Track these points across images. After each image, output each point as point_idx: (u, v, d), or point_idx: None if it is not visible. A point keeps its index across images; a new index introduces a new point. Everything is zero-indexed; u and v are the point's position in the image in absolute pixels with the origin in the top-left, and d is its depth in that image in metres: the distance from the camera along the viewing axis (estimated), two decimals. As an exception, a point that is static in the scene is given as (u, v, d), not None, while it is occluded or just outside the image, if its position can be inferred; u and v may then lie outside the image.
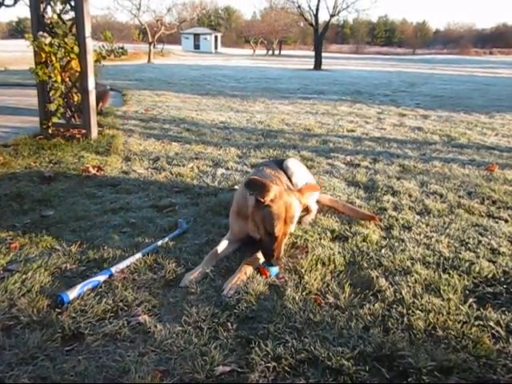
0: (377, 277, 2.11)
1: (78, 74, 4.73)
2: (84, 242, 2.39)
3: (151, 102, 8.24)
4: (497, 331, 1.74)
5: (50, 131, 4.86)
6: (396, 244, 2.51)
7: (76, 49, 4.58)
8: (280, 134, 5.62)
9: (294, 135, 5.59)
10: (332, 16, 25.88)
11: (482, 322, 1.78)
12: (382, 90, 12.05)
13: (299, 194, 2.21)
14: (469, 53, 68.04)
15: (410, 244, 2.51)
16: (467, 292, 2.02)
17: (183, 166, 4.02)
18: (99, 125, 5.25)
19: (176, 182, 3.55)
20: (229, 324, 1.74)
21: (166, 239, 2.43)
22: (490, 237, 2.65)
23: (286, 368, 1.52)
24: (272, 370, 1.51)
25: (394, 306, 1.88)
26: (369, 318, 1.79)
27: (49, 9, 4.66)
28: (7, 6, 5.18)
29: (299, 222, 2.62)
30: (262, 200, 2.07)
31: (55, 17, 4.66)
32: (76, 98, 4.93)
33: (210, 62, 30.29)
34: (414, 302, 1.90)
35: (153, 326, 1.71)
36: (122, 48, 4.99)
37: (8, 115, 6.27)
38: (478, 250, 2.46)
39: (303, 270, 2.15)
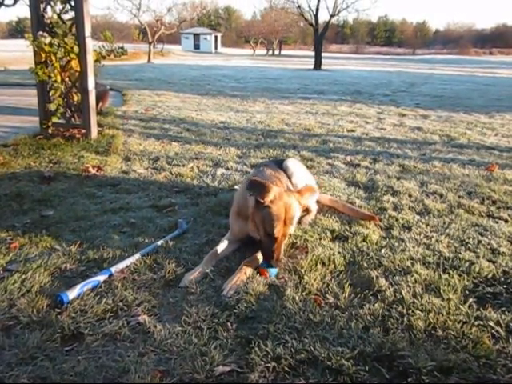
0: (377, 277, 2.11)
1: (77, 73, 4.73)
2: (84, 241, 2.39)
3: (151, 101, 8.24)
4: (497, 331, 1.74)
5: (49, 131, 4.86)
6: (396, 244, 2.51)
7: (76, 49, 4.58)
8: (280, 134, 5.61)
9: (293, 135, 5.59)
10: (332, 16, 25.89)
11: (481, 322, 1.78)
12: (382, 90, 12.05)
13: (299, 195, 2.21)
14: (468, 53, 68.09)
15: (409, 244, 2.51)
16: (467, 292, 2.02)
17: (183, 165, 4.02)
18: (99, 125, 5.25)
19: (176, 182, 3.55)
20: (228, 324, 1.74)
21: (166, 239, 2.43)
22: (489, 237, 2.65)
23: (286, 368, 1.52)
24: (272, 370, 1.51)
25: (394, 306, 1.88)
26: (369, 318, 1.79)
27: (49, 9, 4.66)
28: (7, 5, 5.17)
29: (299, 222, 2.62)
30: (262, 201, 2.07)
31: (55, 16, 4.66)
32: (76, 98, 4.93)
33: (210, 61, 30.29)
34: (413, 302, 1.90)
35: (152, 326, 1.71)
36: (122, 48, 4.99)
37: (8, 115, 6.27)
38: (478, 250, 2.46)
39: (303, 270, 2.15)
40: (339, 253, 2.36)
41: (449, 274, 2.17)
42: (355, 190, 3.47)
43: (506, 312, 1.86)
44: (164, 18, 34.21)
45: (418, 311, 1.84)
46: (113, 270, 2.06)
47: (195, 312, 1.79)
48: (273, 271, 2.11)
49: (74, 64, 4.73)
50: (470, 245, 2.53)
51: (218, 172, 3.86)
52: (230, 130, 5.83)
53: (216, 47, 60.80)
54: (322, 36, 25.12)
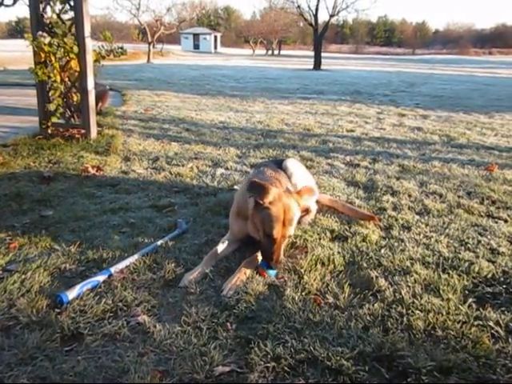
0: (376, 277, 2.11)
1: (77, 73, 4.73)
2: (83, 242, 2.39)
3: (151, 101, 8.24)
4: (496, 331, 1.74)
5: (49, 131, 4.85)
6: (395, 244, 2.51)
7: (75, 49, 4.58)
8: (279, 134, 5.61)
9: (293, 135, 5.59)
10: (331, 16, 25.90)
11: (481, 322, 1.78)
12: (382, 90, 12.05)
13: (298, 196, 2.21)
14: (468, 53, 68.12)
15: (409, 244, 2.51)
16: (467, 292, 2.02)
17: (182, 165, 4.01)
18: (98, 125, 5.25)
19: (175, 182, 3.55)
20: (228, 324, 1.74)
21: (166, 239, 2.43)
22: (489, 237, 2.65)
23: (286, 368, 1.52)
24: (271, 370, 1.51)
25: (394, 306, 1.88)
26: (368, 318, 1.79)
27: (48, 9, 4.66)
28: (6, 5, 5.16)
29: (299, 222, 2.62)
30: (261, 202, 2.07)
31: (54, 17, 4.65)
32: (75, 98, 4.93)
33: (210, 61, 30.29)
34: (413, 302, 1.90)
35: (152, 326, 1.71)
36: (122, 48, 4.98)
37: (7, 115, 6.26)
38: (478, 250, 2.46)
39: (303, 270, 2.15)
40: (339, 253, 2.36)
41: (448, 274, 2.17)
42: (355, 190, 3.47)
43: (506, 312, 1.86)
44: (163, 18, 34.22)
45: (417, 311, 1.84)
46: (112, 270, 2.06)
47: (195, 312, 1.79)
48: (272, 272, 2.10)
49: (74, 64, 4.73)
50: (469, 245, 2.53)
51: (217, 172, 3.86)
52: (230, 129, 5.83)
53: (215, 47, 60.81)
54: (321, 36, 25.13)
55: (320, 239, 2.54)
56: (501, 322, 1.79)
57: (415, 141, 5.50)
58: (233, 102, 8.57)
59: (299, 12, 26.62)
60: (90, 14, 4.64)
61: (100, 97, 6.14)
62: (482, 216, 3.01)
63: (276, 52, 59.62)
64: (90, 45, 4.67)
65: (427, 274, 2.16)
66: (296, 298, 1.91)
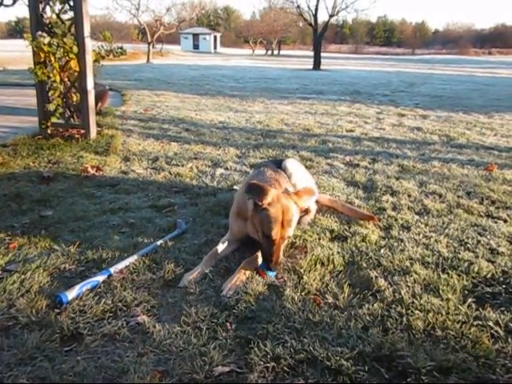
0: (376, 277, 2.11)
1: (76, 73, 4.73)
2: (83, 242, 2.39)
3: (150, 101, 8.24)
4: (496, 331, 1.74)
5: (48, 131, 4.85)
6: (395, 244, 2.51)
7: (75, 49, 4.57)
8: (279, 134, 5.61)
9: (293, 135, 5.59)
10: (331, 16, 25.91)
11: (481, 322, 1.78)
12: (381, 90, 12.05)
13: (297, 197, 2.21)
14: (468, 53, 68.13)
15: (409, 244, 2.51)
16: (466, 292, 2.02)
17: (182, 166, 4.01)
18: (98, 125, 5.25)
19: (175, 182, 3.55)
20: (228, 324, 1.74)
21: (165, 239, 2.43)
22: (488, 237, 2.65)
23: (285, 368, 1.52)
24: (271, 371, 1.51)
25: (393, 306, 1.88)
26: (368, 318, 1.79)
27: (48, 9, 4.65)
28: (6, 5, 5.15)
29: (298, 222, 2.62)
30: (260, 203, 2.08)
31: (54, 17, 4.65)
32: (75, 98, 4.92)
33: (209, 61, 30.29)
34: (413, 302, 1.90)
35: (152, 326, 1.71)
36: (121, 48, 4.98)
37: (7, 115, 6.26)
38: (477, 250, 2.46)
39: (302, 270, 2.15)
40: (338, 253, 2.36)
41: (448, 273, 2.17)
42: (354, 190, 3.47)
43: (505, 312, 1.86)
44: (163, 18, 34.21)
45: (417, 311, 1.84)
46: (112, 270, 2.06)
47: (194, 312, 1.79)
48: (271, 274, 2.10)
49: (73, 64, 4.73)
50: (469, 245, 2.53)
51: (217, 172, 3.86)
52: (229, 129, 5.83)
53: (215, 47, 60.80)
54: (321, 36, 25.13)
55: (319, 239, 2.54)
56: (500, 321, 1.79)
57: (415, 141, 5.50)
58: (232, 102, 8.57)
59: (299, 12, 26.63)
60: (89, 14, 4.64)
61: (99, 97, 6.14)
62: (481, 216, 3.01)
63: (276, 52, 59.62)
64: (90, 45, 4.67)
65: (427, 274, 2.16)
66: (295, 298, 1.91)
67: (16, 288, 1.91)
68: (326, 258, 2.28)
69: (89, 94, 4.71)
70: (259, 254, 2.19)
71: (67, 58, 4.69)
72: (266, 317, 1.77)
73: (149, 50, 28.18)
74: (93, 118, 4.85)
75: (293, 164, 2.80)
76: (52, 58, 4.60)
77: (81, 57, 4.59)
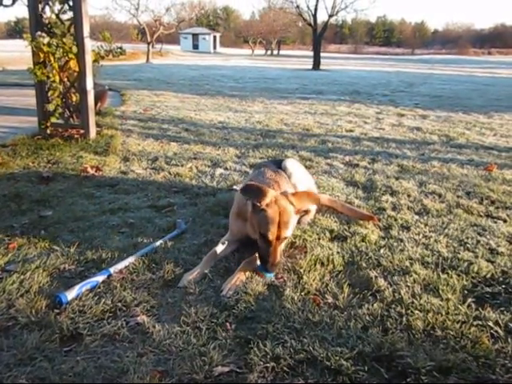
0: (375, 277, 2.11)
1: (76, 74, 4.73)
2: (82, 242, 2.39)
3: (150, 101, 8.24)
4: (495, 331, 1.74)
5: (48, 131, 4.85)
6: (395, 244, 2.51)
7: (74, 49, 4.57)
8: (279, 134, 5.61)
9: (292, 135, 5.59)
10: (330, 16, 25.92)
11: (480, 322, 1.78)
12: (381, 90, 12.06)
13: (295, 198, 2.20)
14: (467, 53, 68.15)
15: (408, 244, 2.51)
16: (466, 292, 2.02)
17: (182, 166, 4.01)
18: (98, 125, 5.25)
19: (175, 182, 3.55)
20: (227, 324, 1.74)
21: (165, 239, 2.42)
22: (488, 237, 2.66)
23: (285, 368, 1.52)
24: (271, 371, 1.51)
25: (393, 306, 1.88)
26: (368, 318, 1.79)
27: (47, 9, 4.65)
28: (5, 5, 5.15)
29: (298, 222, 2.62)
30: (258, 204, 2.08)
31: (53, 17, 4.65)
32: (74, 98, 4.92)
33: (209, 61, 30.28)
34: (412, 302, 1.90)
35: (151, 326, 1.70)
36: (121, 48, 4.98)
37: (6, 115, 6.25)
38: (477, 250, 2.46)
39: (302, 270, 2.15)
40: (338, 253, 2.36)
41: (448, 273, 2.17)
42: (354, 190, 3.47)
43: (505, 312, 1.86)
44: (162, 18, 34.19)
45: (416, 311, 1.84)
46: (111, 270, 2.06)
47: (194, 312, 1.79)
48: (268, 275, 2.09)
49: (73, 64, 4.73)
50: (468, 245, 2.53)
51: (216, 172, 3.86)
52: (229, 129, 5.83)
53: (215, 47, 60.78)
54: (320, 36, 25.14)
55: (319, 239, 2.54)
56: (500, 321, 1.79)
57: (414, 141, 5.50)
58: (232, 102, 8.57)
59: (298, 12, 26.64)
60: (88, 14, 4.64)
61: (99, 97, 6.14)
62: (481, 216, 3.01)
63: (275, 52, 59.63)
64: (89, 45, 4.66)
65: (426, 274, 2.16)
66: (295, 298, 1.91)
67: (15, 288, 1.91)
68: (326, 257, 2.28)
69: (88, 94, 4.71)
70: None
71: (66, 58, 4.69)
72: (266, 317, 1.77)
73: (148, 50, 28.18)
74: (92, 118, 4.84)
75: (292, 164, 2.80)
76: (51, 58, 4.60)
77: (80, 57, 4.59)
